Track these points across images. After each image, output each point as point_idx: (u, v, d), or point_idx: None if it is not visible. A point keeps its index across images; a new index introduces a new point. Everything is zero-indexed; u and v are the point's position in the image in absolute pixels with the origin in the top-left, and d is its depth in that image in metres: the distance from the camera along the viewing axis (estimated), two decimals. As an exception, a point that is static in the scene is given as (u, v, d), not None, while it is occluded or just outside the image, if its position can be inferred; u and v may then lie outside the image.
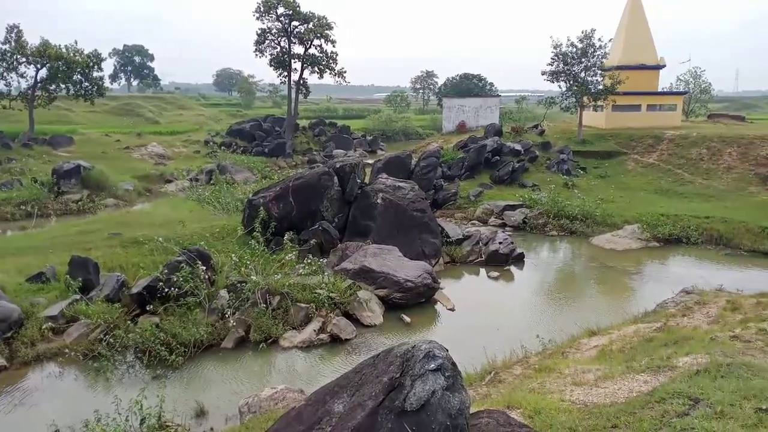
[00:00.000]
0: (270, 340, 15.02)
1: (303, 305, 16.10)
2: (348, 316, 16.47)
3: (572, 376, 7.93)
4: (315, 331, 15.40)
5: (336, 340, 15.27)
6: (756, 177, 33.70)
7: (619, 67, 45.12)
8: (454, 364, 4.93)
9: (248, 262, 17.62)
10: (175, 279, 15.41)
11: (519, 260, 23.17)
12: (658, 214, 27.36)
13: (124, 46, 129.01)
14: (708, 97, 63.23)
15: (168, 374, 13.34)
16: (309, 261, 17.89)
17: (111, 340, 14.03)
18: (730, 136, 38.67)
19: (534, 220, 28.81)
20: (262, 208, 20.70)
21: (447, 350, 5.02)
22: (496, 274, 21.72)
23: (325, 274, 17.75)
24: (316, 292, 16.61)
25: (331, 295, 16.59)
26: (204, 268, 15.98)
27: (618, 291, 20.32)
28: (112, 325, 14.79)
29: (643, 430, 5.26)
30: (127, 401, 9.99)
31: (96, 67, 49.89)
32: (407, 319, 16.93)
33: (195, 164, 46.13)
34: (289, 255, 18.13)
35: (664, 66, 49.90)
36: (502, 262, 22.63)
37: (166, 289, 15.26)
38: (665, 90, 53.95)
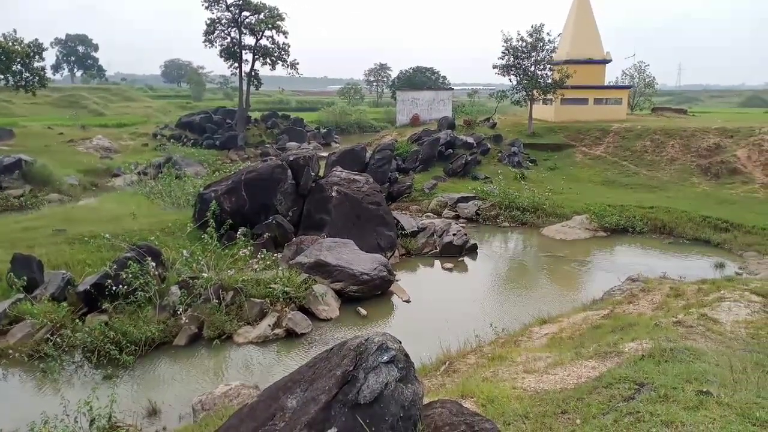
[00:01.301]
0: (224, 337, 14.78)
1: (257, 300, 15.91)
2: (304, 310, 16.35)
3: (524, 364, 8.11)
4: (270, 326, 15.25)
5: (291, 335, 15.16)
6: (697, 168, 35.10)
7: (567, 62, 46.16)
8: (407, 355, 4.96)
9: (200, 258, 17.27)
10: (123, 276, 14.98)
11: (472, 251, 23.50)
12: (605, 205, 28.20)
13: (67, 35, 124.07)
14: (652, 90, 65.31)
15: (119, 374, 12.97)
16: (263, 255, 17.67)
17: (58, 339, 13.53)
18: (672, 128, 40.13)
19: (486, 212, 29.27)
20: (213, 202, 20.30)
21: (400, 342, 5.05)
22: (450, 265, 21.98)
23: (280, 268, 17.58)
24: (270, 287, 16.43)
25: (286, 289, 16.44)
26: (154, 264, 15.59)
27: (568, 280, 20.86)
28: (58, 325, 14.26)
29: (592, 414, 5.42)
30: (75, 402, 9.67)
31: (37, 56, 47.75)
32: (363, 311, 16.96)
33: (143, 157, 44.79)
34: (243, 250, 17.86)
35: (610, 61, 51.32)
36: (456, 253, 22.91)
37: (115, 287, 14.82)
38: (611, 84, 55.48)
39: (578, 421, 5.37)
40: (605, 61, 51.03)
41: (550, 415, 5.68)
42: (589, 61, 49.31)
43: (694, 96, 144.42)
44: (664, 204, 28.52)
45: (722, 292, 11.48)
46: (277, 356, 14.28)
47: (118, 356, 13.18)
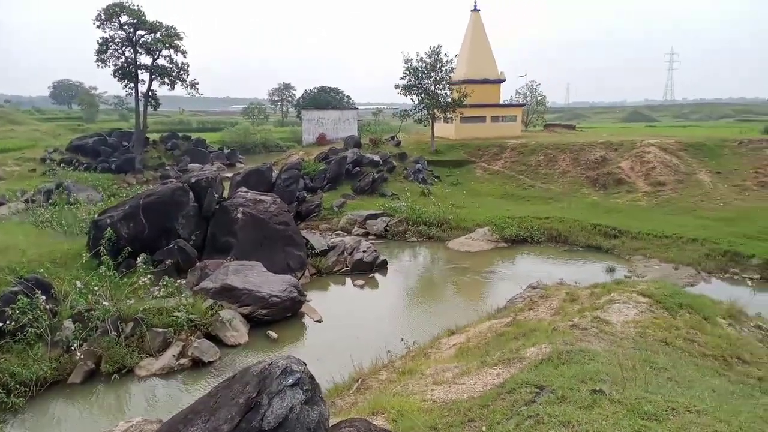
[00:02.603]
0: (124, 371, 14.00)
1: (160, 330, 15.18)
2: (210, 337, 15.81)
3: (433, 376, 8.27)
4: (174, 356, 14.59)
5: (198, 364, 14.59)
6: (587, 180, 37.53)
7: (465, 82, 48.13)
8: (312, 377, 4.92)
9: (96, 288, 16.26)
10: (10, 312, 13.83)
11: (382, 267, 23.74)
12: (505, 217, 29.49)
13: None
14: (543, 108, 69.37)
15: (7, 419, 11.92)
16: (165, 282, 16.92)
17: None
18: (563, 143, 42.75)
19: (395, 228, 29.72)
20: (109, 228, 19.26)
21: (305, 364, 5.01)
22: (361, 282, 22.07)
23: (183, 295, 16.90)
24: (174, 315, 15.74)
25: (190, 316, 15.81)
26: (44, 297, 14.51)
27: (473, 290, 21.55)
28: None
29: (496, 420, 5.62)
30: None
31: None
32: (274, 335, 16.66)
33: (31, 184, 41.67)
34: (143, 278, 17.00)
35: (504, 80, 53.99)
36: (366, 270, 23.05)
37: (1, 324, 13.65)
38: (506, 102, 58.35)
39: (484, 428, 5.55)
40: (500, 81, 53.62)
41: (458, 425, 5.82)
42: (485, 81, 51.65)
43: (581, 112, 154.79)
44: (559, 214, 30.22)
45: (612, 294, 12.29)
46: (183, 387, 13.68)
47: (5, 399, 12.17)
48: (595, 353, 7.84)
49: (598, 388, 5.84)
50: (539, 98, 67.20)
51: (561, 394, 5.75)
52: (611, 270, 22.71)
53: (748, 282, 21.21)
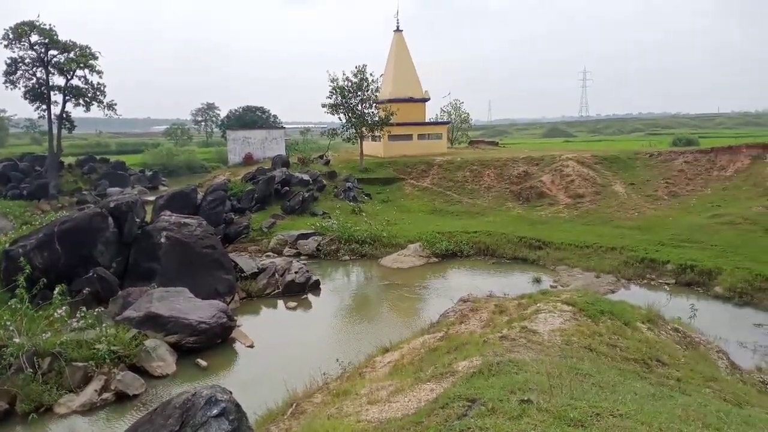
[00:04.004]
0: (42, 409, 13.11)
1: (80, 364, 14.36)
2: (135, 369, 15.11)
3: (367, 395, 8.23)
4: (97, 390, 13.83)
5: (123, 398, 13.89)
6: (511, 194, 38.81)
7: (390, 101, 48.90)
8: (238, 406, 4.79)
9: (8, 323, 15.19)
10: None
11: (315, 288, 23.51)
12: (435, 232, 29.95)
13: None
14: (467, 125, 71.44)
15: None
16: (83, 314, 16.04)
17: None
18: (487, 159, 44.10)
19: (327, 247, 29.56)
20: (22, 258, 18.10)
21: (230, 393, 4.87)
22: (294, 304, 21.76)
23: (104, 325, 16.07)
24: (95, 348, 14.93)
25: (113, 348, 15.05)
26: (-54, 337, 13.42)
27: (407, 306, 21.69)
28: None
29: (431, 436, 5.65)
30: None
31: None
32: (203, 363, 16.12)
33: (-70, 214, 38.63)
34: (59, 310, 16.03)
35: (429, 99, 55.30)
36: (299, 291, 22.75)
37: None
38: (432, 120, 59.68)
39: (419, 446, 5.57)
40: (424, 100, 54.85)
41: (393, 444, 5.81)
42: (410, 100, 52.69)
43: (503, 129, 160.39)
44: (486, 228, 31.04)
45: (539, 305, 12.69)
46: (106, 424, 12.98)
47: None
48: (524, 363, 8.04)
49: (526, 398, 5.99)
50: (463, 116, 69.11)
51: (491, 406, 5.85)
52: (537, 280, 23.48)
53: (664, 287, 22.47)
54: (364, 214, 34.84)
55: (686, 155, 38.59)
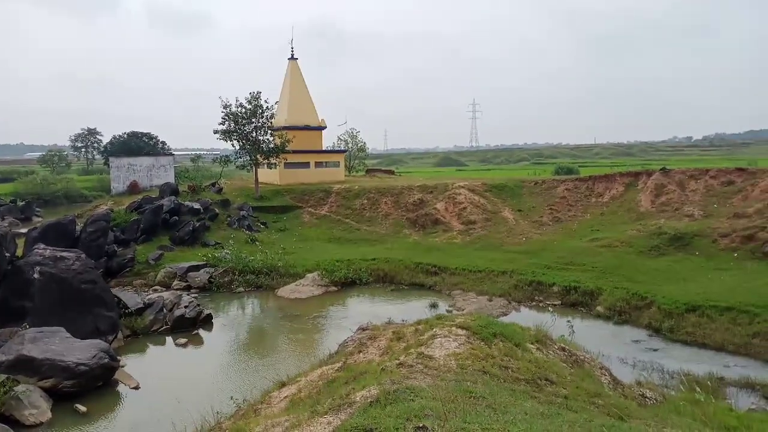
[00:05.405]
0: None
1: (-68, 420, 12.69)
2: (5, 418, 13.71)
3: (262, 434, 7.86)
4: (-48, 448, 12.25)
5: (-14, 454, 12.40)
6: (407, 221, 39.54)
7: (286, 128, 48.63)
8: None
9: None
10: None
11: (207, 322, 22.48)
12: (333, 260, 29.80)
13: None
14: (364, 154, 72.45)
15: None
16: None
17: None
18: (384, 187, 44.80)
19: (220, 279, 28.45)
20: None
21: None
22: (184, 340, 20.66)
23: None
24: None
25: (-26, 398, 13.46)
26: None
27: (306, 338, 21.26)
28: None
29: (327, 473, 5.44)
30: None
31: None
32: (82, 408, 14.89)
33: None
34: None
35: (325, 127, 55.57)
36: (189, 326, 21.65)
37: None
38: (329, 149, 59.95)
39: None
40: (321, 128, 55.07)
41: (289, 484, 5.53)
42: (307, 128, 52.72)
43: (399, 158, 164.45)
44: (384, 255, 31.32)
45: (435, 330, 12.82)
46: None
47: None
48: (420, 389, 8.03)
49: (421, 425, 5.96)
50: (360, 144, 70.06)
51: (389, 435, 5.76)
52: (434, 305, 23.92)
53: (550, 308, 23.65)
54: (259, 243, 34.00)
55: (567, 183, 41.32)
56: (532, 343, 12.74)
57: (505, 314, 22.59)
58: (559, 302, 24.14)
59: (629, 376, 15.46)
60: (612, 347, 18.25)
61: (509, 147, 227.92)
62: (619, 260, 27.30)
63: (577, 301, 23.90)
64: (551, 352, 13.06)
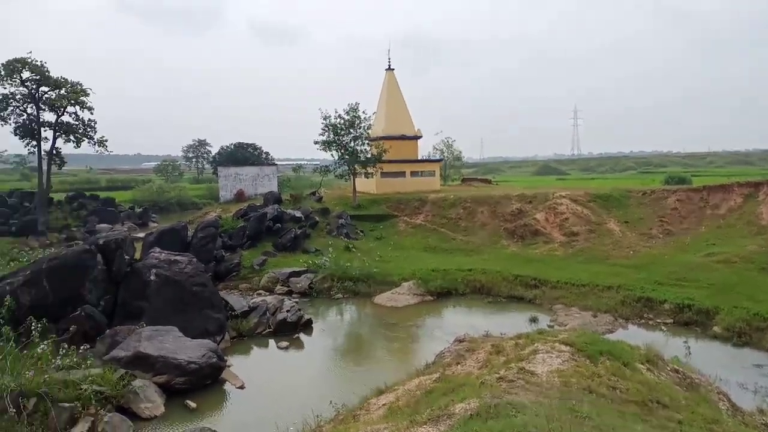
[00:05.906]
0: (26, 453, 12.59)
1: (66, 405, 13.88)
2: (123, 410, 14.68)
3: (363, 440, 7.93)
4: (82, 433, 13.34)
5: (109, 441, 13.39)
6: (505, 232, 38.72)
7: (383, 138, 49.31)
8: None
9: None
10: None
11: (307, 327, 23.12)
12: (429, 270, 29.70)
13: None
14: (460, 163, 72.20)
15: None
16: (66, 352, 15.63)
17: None
18: (481, 196, 44.19)
19: (319, 285, 29.22)
20: (9, 296, 17.73)
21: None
22: (285, 343, 21.34)
23: (89, 362, 15.65)
24: (81, 388, 14.48)
25: (99, 389, 14.60)
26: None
27: (402, 346, 21.31)
28: None
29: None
30: None
31: None
32: (192, 404, 15.69)
33: None
34: (40, 347, 15.58)
35: (421, 137, 55.80)
36: (290, 330, 22.35)
37: None
38: (424, 158, 60.10)
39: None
40: (417, 137, 55.34)
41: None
42: (403, 137, 53.14)
43: (495, 167, 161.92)
44: (481, 266, 30.81)
45: (536, 345, 12.43)
46: (90, 469, 12.45)
47: None
48: (522, 405, 7.80)
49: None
50: (456, 153, 69.76)
51: (493, 451, 5.62)
52: (534, 320, 23.19)
53: (662, 327, 22.23)
54: (357, 251, 34.61)
55: (679, 193, 38.75)
56: (641, 363, 12.03)
57: (612, 331, 21.45)
58: (671, 320, 22.61)
59: (750, 402, 14.15)
60: (730, 371, 16.82)
61: (614, 155, 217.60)
62: (738, 277, 25.18)
63: (691, 319, 22.27)
64: (663, 373, 12.26)
